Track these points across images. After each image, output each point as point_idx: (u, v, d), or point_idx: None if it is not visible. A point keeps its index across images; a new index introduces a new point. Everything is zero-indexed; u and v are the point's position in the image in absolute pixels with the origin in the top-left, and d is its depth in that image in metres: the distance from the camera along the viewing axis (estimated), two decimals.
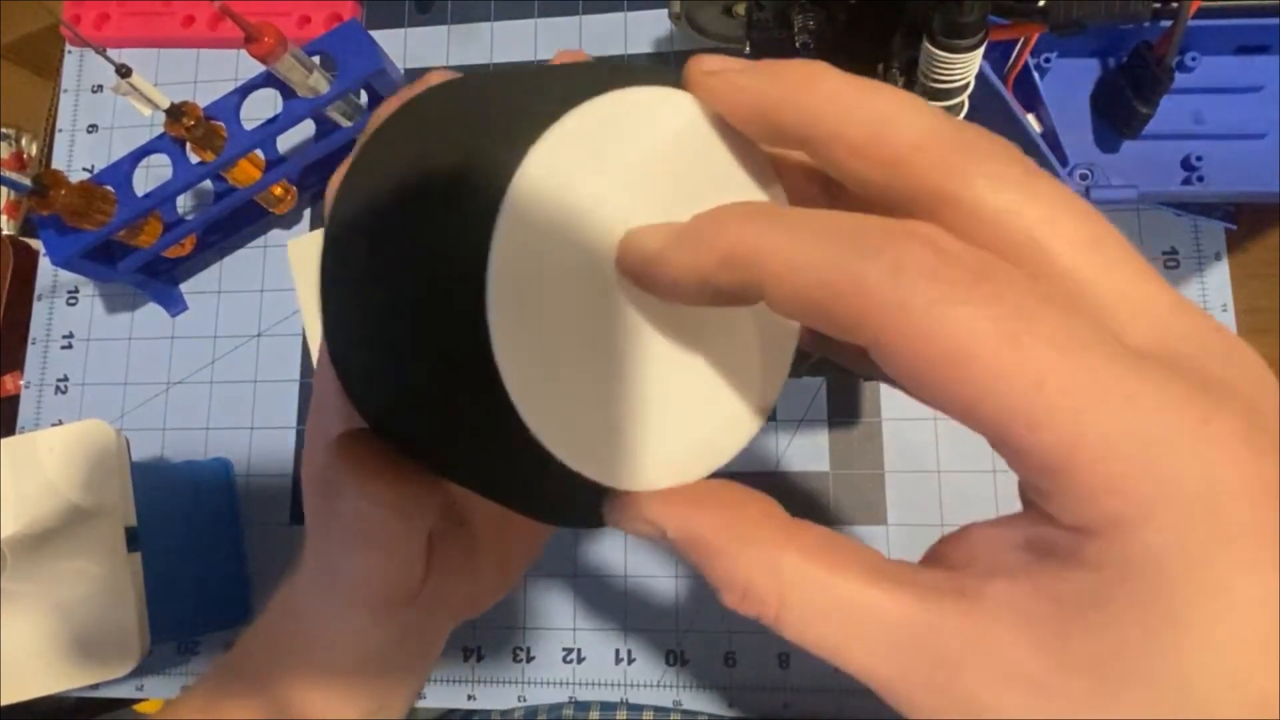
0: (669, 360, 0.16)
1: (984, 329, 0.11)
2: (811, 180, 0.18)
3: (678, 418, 0.16)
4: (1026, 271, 0.13)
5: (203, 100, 0.47)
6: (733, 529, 0.15)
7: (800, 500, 0.46)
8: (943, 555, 0.15)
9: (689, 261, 0.14)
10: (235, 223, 0.53)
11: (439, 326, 0.14)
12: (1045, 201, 0.13)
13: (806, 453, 0.47)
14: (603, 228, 0.15)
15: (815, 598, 0.14)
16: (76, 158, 0.57)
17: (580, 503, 0.16)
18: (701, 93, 0.16)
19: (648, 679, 0.46)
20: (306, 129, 0.51)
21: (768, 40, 0.36)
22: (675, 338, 0.16)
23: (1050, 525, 0.12)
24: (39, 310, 0.55)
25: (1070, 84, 0.39)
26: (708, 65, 0.15)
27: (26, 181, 0.43)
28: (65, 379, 0.54)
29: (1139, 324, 0.13)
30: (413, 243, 0.15)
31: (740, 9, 0.40)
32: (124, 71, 0.43)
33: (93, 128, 0.57)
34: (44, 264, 0.55)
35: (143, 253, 0.49)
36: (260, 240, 0.54)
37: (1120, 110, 0.37)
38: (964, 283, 0.12)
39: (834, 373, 0.47)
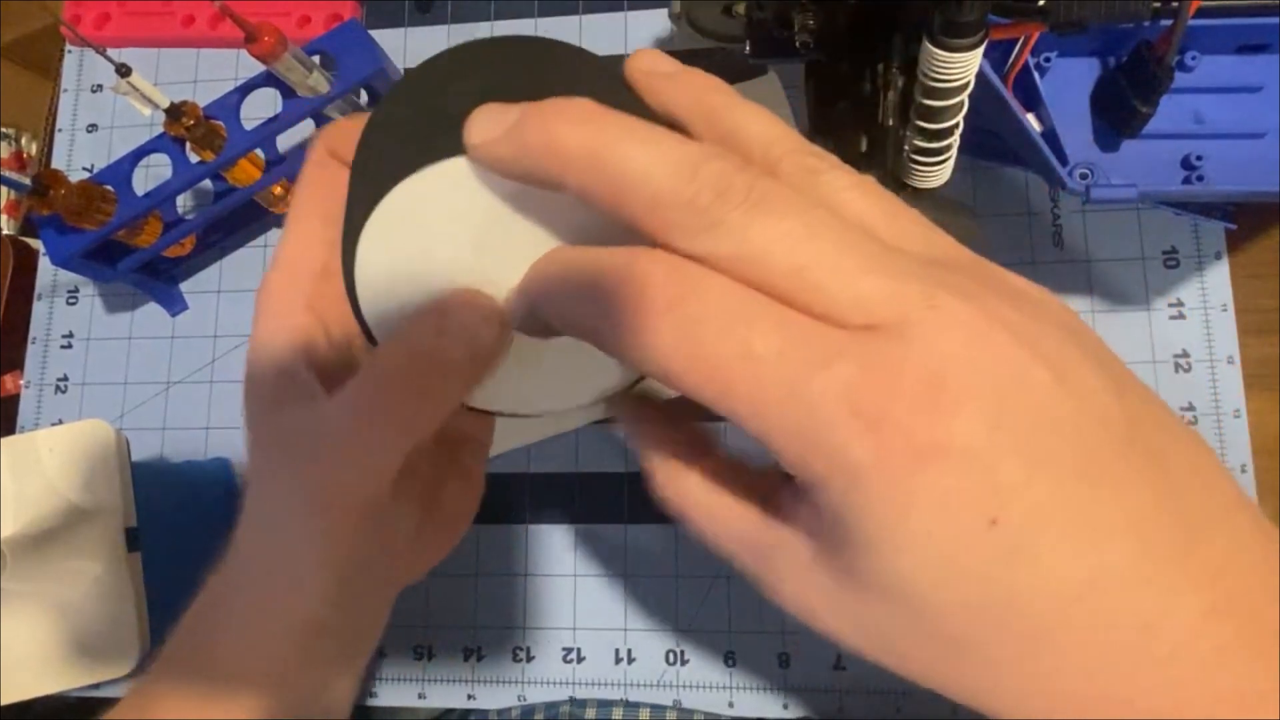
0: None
1: (671, 351, 0.15)
2: None
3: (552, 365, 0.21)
4: (736, 282, 0.15)
5: (203, 100, 0.46)
6: (654, 442, 0.20)
7: None
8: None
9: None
10: (235, 223, 0.53)
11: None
12: (754, 243, 0.15)
13: None
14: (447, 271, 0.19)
15: (699, 508, 0.19)
16: (76, 157, 0.57)
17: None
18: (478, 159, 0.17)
19: (648, 679, 0.46)
20: (306, 129, 0.51)
21: (768, 40, 0.36)
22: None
23: None
24: (39, 310, 0.55)
25: (1070, 84, 0.39)
26: (474, 132, 0.17)
27: (26, 181, 0.43)
28: (65, 379, 0.54)
29: (851, 314, 0.15)
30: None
31: (740, 9, 0.40)
32: (124, 71, 0.43)
33: (93, 127, 0.57)
34: (44, 264, 0.55)
35: (143, 252, 0.49)
36: (260, 240, 0.54)
37: (1120, 110, 0.37)
38: (654, 312, 0.15)
39: None
